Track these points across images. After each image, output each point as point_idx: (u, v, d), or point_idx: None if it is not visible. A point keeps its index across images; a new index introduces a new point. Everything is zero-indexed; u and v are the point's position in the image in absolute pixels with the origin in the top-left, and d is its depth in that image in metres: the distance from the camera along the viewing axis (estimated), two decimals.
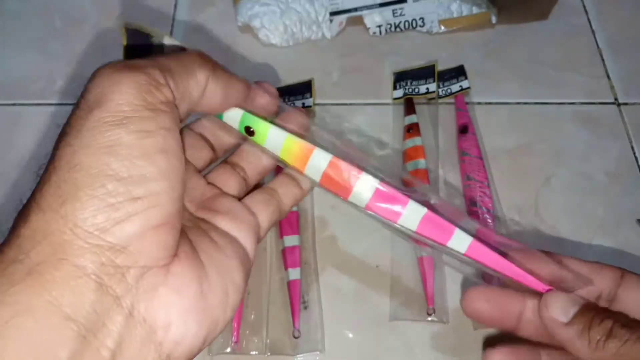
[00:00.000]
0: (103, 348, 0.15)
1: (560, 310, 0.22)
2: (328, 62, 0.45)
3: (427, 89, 0.42)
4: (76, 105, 0.17)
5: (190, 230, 0.19)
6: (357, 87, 0.43)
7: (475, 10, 0.46)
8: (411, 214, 0.22)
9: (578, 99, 0.44)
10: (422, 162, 0.38)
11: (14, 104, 0.43)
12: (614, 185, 0.40)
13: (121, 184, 0.16)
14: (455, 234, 0.23)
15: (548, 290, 0.23)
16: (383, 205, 0.23)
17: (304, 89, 0.43)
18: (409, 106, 0.41)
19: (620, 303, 0.23)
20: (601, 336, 0.20)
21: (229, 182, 0.23)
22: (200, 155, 0.24)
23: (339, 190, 0.23)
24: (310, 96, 0.42)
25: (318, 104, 0.43)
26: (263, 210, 0.22)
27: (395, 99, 0.43)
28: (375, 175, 0.23)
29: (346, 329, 0.34)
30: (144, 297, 0.16)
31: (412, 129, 0.40)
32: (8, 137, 0.41)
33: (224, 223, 0.21)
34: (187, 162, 0.22)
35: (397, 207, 0.23)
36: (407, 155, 0.39)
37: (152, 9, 0.48)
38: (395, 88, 0.43)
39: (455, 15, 0.46)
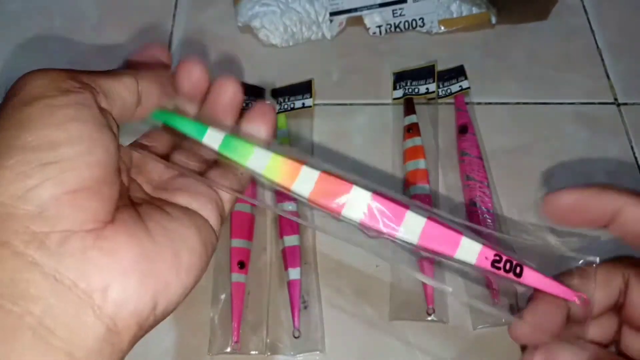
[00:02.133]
0: (27, 315, 0.15)
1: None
2: (328, 62, 0.45)
3: (427, 89, 0.42)
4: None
5: (141, 206, 0.19)
6: (357, 87, 0.43)
7: (475, 10, 0.46)
8: (410, 226, 0.21)
9: (578, 99, 0.44)
10: (422, 162, 0.38)
11: None
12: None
13: (30, 152, 0.16)
14: (462, 243, 0.21)
15: (578, 298, 0.20)
16: (379, 219, 0.21)
17: (304, 89, 0.43)
18: (409, 106, 0.41)
19: (632, 307, 0.20)
20: None
21: (189, 164, 0.23)
22: (160, 142, 0.24)
23: (329, 208, 0.22)
24: (310, 96, 0.42)
25: (318, 104, 0.43)
26: (222, 182, 0.22)
27: (395, 99, 0.43)
28: (367, 188, 0.21)
29: (346, 329, 0.34)
30: (70, 261, 0.16)
31: (412, 129, 0.40)
32: None
33: (182, 199, 0.21)
34: (143, 147, 0.23)
35: (393, 221, 0.21)
36: (407, 155, 0.39)
37: (152, 9, 0.48)
38: (395, 88, 0.43)
39: (455, 15, 0.46)
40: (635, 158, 0.41)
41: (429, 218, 0.21)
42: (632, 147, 0.42)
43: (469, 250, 0.21)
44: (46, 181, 0.16)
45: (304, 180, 0.22)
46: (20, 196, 0.15)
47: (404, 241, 0.21)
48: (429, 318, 0.34)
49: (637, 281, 0.21)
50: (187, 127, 0.23)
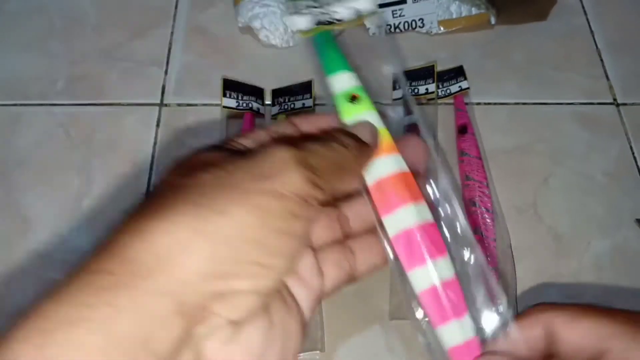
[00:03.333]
0: None
1: None
2: None
3: (427, 89, 0.42)
4: (239, 163, 0.18)
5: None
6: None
7: (474, 11, 0.46)
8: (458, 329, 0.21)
9: (577, 99, 0.44)
10: None
11: (14, 104, 0.43)
12: (613, 185, 0.40)
13: (255, 246, 0.17)
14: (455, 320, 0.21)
15: None
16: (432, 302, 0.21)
17: (304, 89, 0.43)
18: (409, 106, 0.41)
19: (561, 344, 0.21)
20: None
21: (325, 230, 0.22)
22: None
23: (406, 256, 0.21)
24: (310, 97, 0.42)
25: (318, 105, 0.43)
26: (332, 273, 0.22)
27: (394, 99, 0.43)
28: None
29: (346, 328, 0.34)
30: (213, 345, 0.17)
31: (411, 129, 0.40)
32: (8, 137, 0.41)
33: (291, 282, 0.20)
34: None
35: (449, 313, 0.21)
36: None
37: (153, 9, 0.48)
38: (394, 88, 0.43)
39: (454, 16, 0.46)
40: (634, 158, 0.41)
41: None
42: (631, 147, 0.42)
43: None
44: (246, 277, 0.17)
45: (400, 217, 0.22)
46: (223, 277, 0.16)
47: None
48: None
49: (562, 326, 0.20)
50: (331, 54, 0.23)
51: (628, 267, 0.37)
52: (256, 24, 0.44)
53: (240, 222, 0.17)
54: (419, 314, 0.22)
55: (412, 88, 0.42)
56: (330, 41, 0.25)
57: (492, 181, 0.39)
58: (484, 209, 0.37)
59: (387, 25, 0.46)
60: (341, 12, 0.25)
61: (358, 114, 0.23)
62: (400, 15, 0.46)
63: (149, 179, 0.40)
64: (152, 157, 0.41)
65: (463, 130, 0.40)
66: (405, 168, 0.22)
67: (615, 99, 0.44)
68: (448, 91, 0.43)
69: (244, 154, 0.19)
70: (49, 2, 0.48)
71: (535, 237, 0.38)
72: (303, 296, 0.20)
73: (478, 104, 0.43)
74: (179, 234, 0.16)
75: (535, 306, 0.21)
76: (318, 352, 0.33)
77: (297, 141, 0.19)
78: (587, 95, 0.44)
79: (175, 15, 0.48)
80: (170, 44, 0.46)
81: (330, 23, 0.25)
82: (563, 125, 0.43)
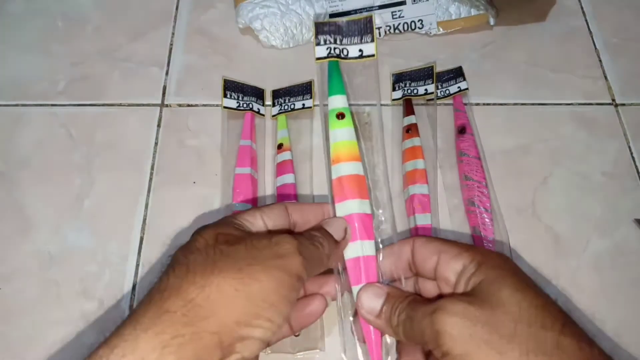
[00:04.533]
0: None
1: (370, 306, 0.29)
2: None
3: (426, 90, 0.42)
4: (264, 241, 0.26)
5: None
6: (357, 88, 0.44)
7: (473, 12, 0.46)
8: None
9: (576, 100, 0.44)
10: (420, 162, 0.38)
11: (16, 105, 0.43)
12: (611, 185, 0.40)
13: (270, 307, 0.24)
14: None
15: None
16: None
17: (304, 90, 0.43)
18: (408, 107, 0.42)
19: (417, 265, 0.30)
20: (398, 322, 0.27)
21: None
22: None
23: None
24: (311, 97, 0.42)
25: (318, 105, 0.43)
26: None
27: (394, 99, 0.43)
28: None
29: (346, 327, 0.34)
30: None
31: (410, 130, 0.40)
32: (10, 138, 0.42)
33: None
34: None
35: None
36: (406, 156, 0.39)
37: (154, 10, 0.48)
38: (394, 89, 0.43)
39: (453, 17, 0.46)
40: (633, 158, 0.41)
41: None
42: (629, 147, 0.42)
43: None
44: (261, 328, 0.24)
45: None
46: (245, 326, 0.23)
47: None
48: None
49: (421, 245, 0.29)
50: (334, 80, 0.33)
51: (627, 267, 0.37)
52: (256, 25, 0.45)
53: (265, 287, 0.24)
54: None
55: (411, 89, 0.43)
56: (336, 69, 0.34)
57: (491, 181, 0.39)
58: (482, 209, 0.37)
59: (387, 26, 0.46)
60: (350, 50, 0.34)
61: (340, 128, 0.32)
62: (399, 17, 0.46)
63: (150, 179, 0.40)
64: (153, 157, 0.41)
65: (462, 130, 0.41)
66: (362, 172, 0.32)
67: (613, 100, 0.44)
68: (447, 92, 0.43)
69: (261, 235, 0.27)
70: (51, 3, 0.49)
71: (534, 236, 0.38)
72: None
73: (477, 104, 0.43)
74: (227, 290, 0.23)
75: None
76: (318, 350, 0.34)
77: (294, 233, 0.28)
78: (585, 95, 0.44)
79: (176, 16, 0.48)
80: (171, 44, 0.46)
81: (339, 57, 0.33)
82: (562, 125, 0.43)
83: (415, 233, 0.36)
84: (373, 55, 0.33)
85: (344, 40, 0.35)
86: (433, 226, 0.37)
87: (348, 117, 0.32)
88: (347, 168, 0.32)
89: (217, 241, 0.26)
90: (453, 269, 0.27)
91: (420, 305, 0.27)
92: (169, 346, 0.21)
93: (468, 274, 0.26)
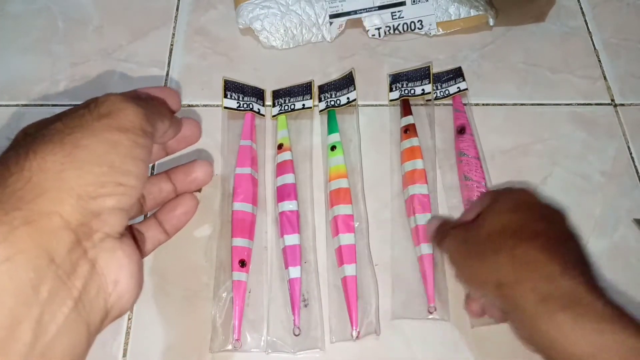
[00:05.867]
0: (73, 288, 0.19)
1: (430, 232, 0.35)
2: (328, 64, 0.45)
3: (423, 90, 0.42)
4: (82, 110, 0.23)
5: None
6: (357, 89, 0.44)
7: (472, 12, 0.46)
8: None
9: (575, 100, 0.44)
10: (419, 163, 0.39)
11: (16, 105, 0.43)
12: (610, 185, 0.40)
13: (112, 170, 0.21)
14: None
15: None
16: None
17: (304, 90, 0.43)
18: (406, 107, 0.42)
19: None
20: (439, 241, 0.34)
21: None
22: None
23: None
24: (310, 97, 0.43)
25: (318, 105, 0.43)
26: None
27: (391, 100, 0.43)
28: None
29: (346, 327, 0.34)
30: (103, 255, 0.21)
31: (408, 130, 0.40)
32: (11, 138, 0.42)
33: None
34: None
35: None
36: (405, 156, 0.39)
37: (154, 11, 0.48)
38: (391, 90, 0.43)
39: (453, 17, 0.46)
40: (632, 158, 0.42)
41: None
42: (628, 148, 0.42)
43: None
44: (113, 196, 0.21)
45: None
46: (93, 198, 0.20)
47: None
48: (430, 316, 0.34)
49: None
50: (332, 122, 0.41)
51: (626, 267, 0.37)
52: (257, 26, 0.45)
53: (95, 152, 0.21)
54: None
55: (409, 89, 0.43)
56: (333, 116, 0.42)
57: (491, 181, 0.39)
58: None
59: (387, 27, 0.46)
60: (342, 100, 0.42)
61: (333, 157, 0.40)
62: (399, 17, 0.46)
63: None
64: None
65: (462, 130, 0.41)
66: (348, 185, 0.39)
67: (612, 100, 0.44)
68: (447, 92, 0.43)
69: (79, 106, 0.24)
70: (52, 4, 0.49)
71: None
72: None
73: (476, 104, 0.44)
74: (51, 167, 0.20)
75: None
76: (318, 349, 0.34)
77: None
78: (584, 96, 0.44)
79: (176, 16, 0.48)
80: (172, 45, 0.47)
81: (334, 106, 0.42)
82: (561, 125, 0.43)
83: (416, 233, 0.36)
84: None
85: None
86: None
87: (339, 148, 0.40)
88: (338, 183, 0.39)
89: (28, 131, 0.23)
90: (481, 205, 0.32)
91: (446, 226, 0.34)
92: None
93: (483, 207, 0.32)
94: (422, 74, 0.43)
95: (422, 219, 0.37)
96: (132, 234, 0.26)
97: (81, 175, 0.20)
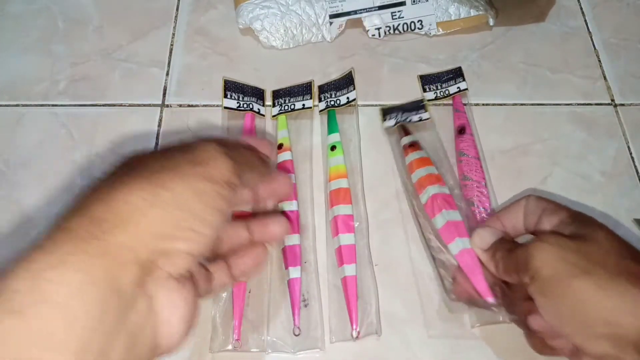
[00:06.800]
0: (129, 322, 0.20)
1: (484, 239, 0.32)
2: (328, 64, 0.45)
3: (420, 117, 0.41)
4: (178, 153, 0.23)
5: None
6: (356, 89, 0.44)
7: (473, 12, 0.46)
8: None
9: (575, 100, 0.44)
10: (432, 169, 0.38)
11: (17, 105, 0.43)
12: (610, 185, 0.40)
13: (191, 217, 0.22)
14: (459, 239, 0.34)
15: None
16: None
17: (304, 90, 0.43)
18: (404, 130, 0.41)
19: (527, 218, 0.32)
20: (499, 257, 0.31)
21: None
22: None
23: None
24: (310, 98, 0.43)
25: (318, 106, 0.43)
26: (202, 284, 0.27)
27: (387, 128, 0.42)
28: None
29: (346, 327, 0.34)
30: (162, 293, 0.21)
31: (413, 145, 0.39)
32: (11, 138, 0.42)
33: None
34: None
35: None
36: (413, 166, 0.38)
37: (154, 11, 0.48)
38: (384, 119, 0.42)
39: (453, 17, 0.46)
40: (632, 158, 0.42)
41: None
42: (628, 148, 0.42)
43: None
44: (186, 240, 0.22)
45: None
46: (167, 238, 0.21)
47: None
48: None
49: (532, 201, 0.32)
50: (332, 122, 0.41)
51: None
52: (257, 26, 0.45)
53: (181, 195, 0.22)
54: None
55: (404, 117, 0.41)
56: (333, 116, 0.42)
57: (490, 181, 0.39)
58: (482, 209, 0.37)
59: (387, 27, 0.46)
60: (342, 99, 0.42)
61: (333, 157, 0.39)
62: (399, 17, 0.46)
63: None
64: None
65: (462, 130, 0.41)
66: (347, 185, 0.38)
67: (612, 100, 0.44)
68: (447, 92, 0.43)
69: (179, 147, 0.24)
70: (52, 3, 0.49)
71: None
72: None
73: (476, 104, 0.44)
74: (135, 201, 0.21)
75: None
76: (318, 349, 0.34)
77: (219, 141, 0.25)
78: (584, 96, 0.44)
79: (176, 16, 0.48)
80: (172, 45, 0.47)
81: (334, 106, 0.42)
82: (561, 125, 0.43)
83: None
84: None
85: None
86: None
87: (339, 148, 0.40)
88: (338, 183, 0.38)
89: (129, 163, 0.24)
90: (550, 222, 0.29)
91: (519, 245, 0.30)
92: (68, 262, 0.19)
93: (563, 226, 0.28)
94: (415, 106, 0.42)
95: (451, 214, 0.35)
96: (204, 269, 0.27)
97: (162, 216, 0.21)
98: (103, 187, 0.22)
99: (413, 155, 0.38)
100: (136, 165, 0.23)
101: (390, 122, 0.41)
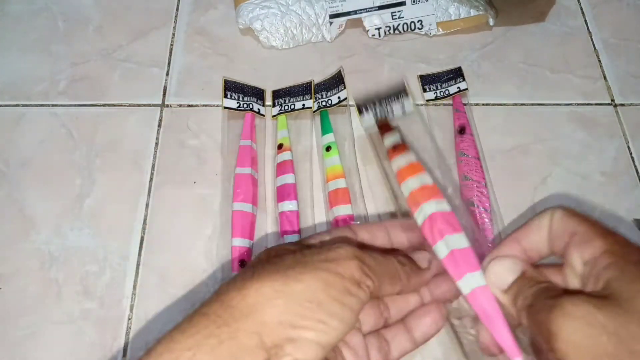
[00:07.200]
0: None
1: (501, 279, 0.26)
2: (328, 64, 0.45)
3: (403, 108, 0.41)
4: (316, 250, 0.25)
5: None
6: (357, 89, 0.44)
7: (472, 12, 0.46)
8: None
9: (575, 100, 0.44)
10: (426, 177, 0.30)
11: (17, 105, 0.43)
12: (610, 185, 0.40)
13: (318, 308, 0.23)
14: (469, 274, 0.26)
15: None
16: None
17: (304, 90, 0.43)
18: (385, 126, 0.34)
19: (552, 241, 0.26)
20: (521, 306, 0.24)
21: (369, 318, 0.28)
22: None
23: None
24: (310, 97, 0.43)
25: (312, 107, 0.43)
26: (374, 356, 0.27)
27: (367, 128, 0.41)
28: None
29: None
30: None
31: (398, 147, 0.32)
32: (11, 138, 0.42)
33: (346, 352, 0.26)
34: None
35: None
36: (402, 174, 0.30)
37: (154, 11, 0.48)
38: (360, 114, 0.41)
39: (453, 17, 0.46)
40: (632, 158, 0.42)
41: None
42: (628, 148, 0.42)
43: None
44: (311, 330, 0.22)
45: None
46: (294, 328, 0.22)
47: None
48: None
49: (559, 219, 0.25)
50: (325, 122, 0.41)
51: None
52: (257, 26, 0.45)
53: (309, 288, 0.23)
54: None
55: (385, 110, 0.41)
56: (326, 117, 0.42)
57: (490, 181, 0.39)
58: (482, 209, 0.37)
59: (387, 27, 0.46)
60: (333, 99, 0.42)
61: (329, 157, 0.39)
62: (399, 17, 0.46)
63: (150, 179, 0.40)
64: (154, 157, 0.41)
65: (462, 130, 0.41)
66: (346, 185, 0.35)
67: (612, 100, 0.44)
68: (447, 92, 0.43)
69: (317, 246, 0.26)
70: (52, 3, 0.49)
71: None
72: None
73: (476, 104, 0.44)
74: (266, 291, 0.23)
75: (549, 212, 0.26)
76: None
77: (362, 247, 0.26)
78: (584, 96, 0.44)
79: (176, 16, 0.48)
80: (172, 45, 0.47)
81: (326, 106, 0.42)
82: (561, 125, 0.43)
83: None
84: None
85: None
86: None
87: (334, 148, 0.40)
88: (336, 184, 0.38)
89: (269, 255, 0.26)
90: (581, 257, 0.23)
91: (543, 295, 0.23)
92: (202, 345, 0.21)
93: (599, 267, 0.22)
94: (397, 91, 0.42)
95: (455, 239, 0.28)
96: (380, 338, 0.28)
97: (289, 305, 0.22)
98: (242, 277, 0.24)
99: (400, 160, 0.31)
100: (273, 259, 0.25)
101: (369, 120, 0.39)
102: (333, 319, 0.23)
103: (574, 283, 0.24)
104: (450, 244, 0.27)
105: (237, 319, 0.22)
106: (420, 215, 0.28)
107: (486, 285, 0.26)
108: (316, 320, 0.23)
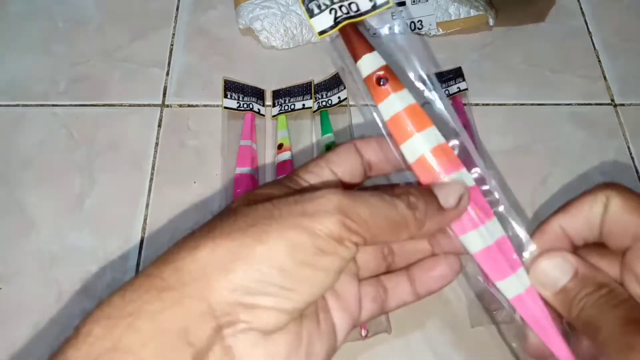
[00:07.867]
0: None
1: (546, 280, 0.22)
2: (328, 64, 0.45)
3: (339, 98, 0.42)
4: (292, 198, 0.21)
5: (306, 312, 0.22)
6: (356, 89, 0.44)
7: (472, 12, 0.46)
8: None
9: (575, 100, 0.44)
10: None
11: (16, 105, 0.43)
12: None
13: (281, 274, 0.20)
14: (514, 275, 0.23)
15: None
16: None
17: (304, 90, 0.43)
18: (352, 34, 0.26)
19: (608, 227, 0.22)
20: (578, 317, 0.21)
21: (369, 262, 0.25)
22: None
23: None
24: (310, 97, 0.43)
25: (312, 107, 0.43)
26: (368, 306, 0.25)
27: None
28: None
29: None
30: (240, 346, 0.20)
31: (383, 79, 0.25)
32: (11, 138, 0.42)
33: (332, 303, 0.23)
34: None
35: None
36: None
37: (154, 11, 0.48)
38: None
39: (453, 17, 0.46)
40: (632, 158, 0.42)
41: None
42: (628, 148, 0.42)
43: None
44: (272, 297, 0.20)
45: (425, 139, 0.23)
46: (250, 294, 0.19)
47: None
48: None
49: (616, 213, 0.21)
50: (325, 122, 0.40)
51: None
52: (257, 26, 0.45)
53: (271, 250, 0.20)
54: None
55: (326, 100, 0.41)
56: (326, 117, 0.41)
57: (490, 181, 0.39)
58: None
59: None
60: (333, 99, 0.35)
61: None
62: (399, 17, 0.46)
63: (151, 179, 0.40)
64: (154, 157, 0.41)
65: None
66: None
67: (612, 100, 0.44)
68: (447, 92, 0.43)
69: (300, 192, 0.22)
70: (52, 4, 0.49)
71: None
72: (341, 320, 0.23)
73: (476, 104, 0.44)
74: (220, 253, 0.20)
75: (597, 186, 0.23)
76: (385, 333, 0.34)
77: (355, 191, 0.22)
78: (584, 96, 0.44)
79: (176, 17, 0.48)
80: (172, 45, 0.47)
81: (326, 106, 0.34)
82: (561, 125, 0.43)
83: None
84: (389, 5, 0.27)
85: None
86: None
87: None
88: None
89: (247, 201, 0.22)
90: None
91: (606, 305, 0.20)
92: (142, 311, 0.19)
93: None
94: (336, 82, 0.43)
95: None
96: (378, 286, 0.25)
97: (246, 270, 0.20)
98: (199, 233, 0.21)
99: (393, 102, 0.24)
100: (244, 209, 0.21)
101: (326, 21, 0.25)
102: (301, 284, 0.20)
103: (633, 287, 0.21)
104: (486, 238, 0.23)
105: (184, 283, 0.19)
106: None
107: (532, 288, 0.23)
108: (278, 287, 0.20)
